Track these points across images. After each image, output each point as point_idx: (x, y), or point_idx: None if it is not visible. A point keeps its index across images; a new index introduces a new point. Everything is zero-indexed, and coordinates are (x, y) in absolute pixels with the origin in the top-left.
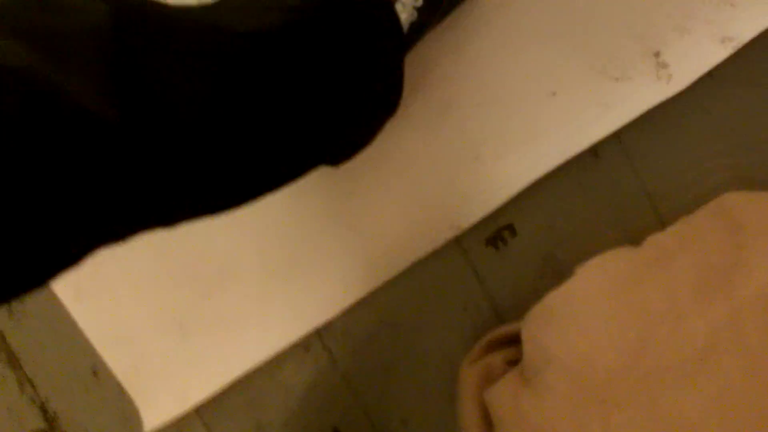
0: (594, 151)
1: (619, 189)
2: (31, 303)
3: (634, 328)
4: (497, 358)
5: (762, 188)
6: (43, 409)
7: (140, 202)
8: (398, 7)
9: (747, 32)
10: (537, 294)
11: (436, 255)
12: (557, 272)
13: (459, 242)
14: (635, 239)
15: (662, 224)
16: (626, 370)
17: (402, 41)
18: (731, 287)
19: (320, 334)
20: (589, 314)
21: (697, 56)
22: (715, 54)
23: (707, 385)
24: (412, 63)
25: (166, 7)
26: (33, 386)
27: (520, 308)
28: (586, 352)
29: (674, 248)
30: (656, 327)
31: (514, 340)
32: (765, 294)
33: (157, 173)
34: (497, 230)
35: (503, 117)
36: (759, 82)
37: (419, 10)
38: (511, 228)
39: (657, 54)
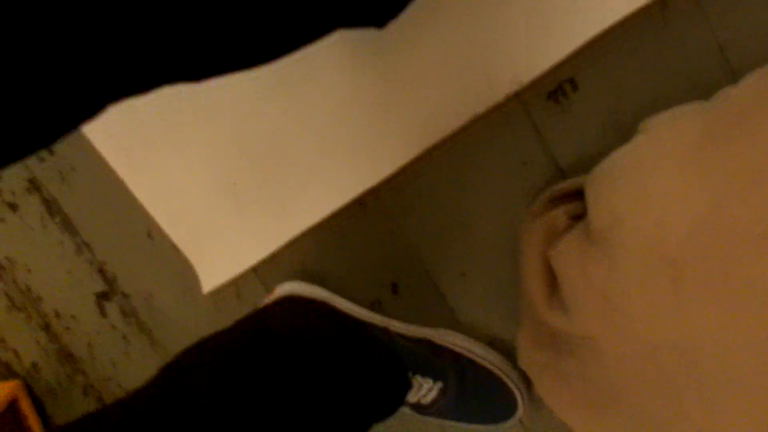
0: (663, 1)
1: (688, 40)
2: (82, 168)
3: (709, 190)
4: (561, 213)
5: None
6: (102, 272)
7: (157, 50)
8: None
9: None
10: (599, 149)
11: (496, 110)
12: (621, 127)
13: (519, 97)
14: (705, 94)
15: (734, 79)
16: (699, 233)
17: None
18: None
19: (377, 191)
20: (659, 176)
21: None
22: None
23: None
24: None
25: None
26: (90, 250)
27: (582, 164)
28: (657, 214)
29: (750, 105)
30: (732, 189)
31: (576, 195)
32: None
33: (170, 20)
34: (558, 84)
35: None
36: None
37: None
38: (572, 82)
39: None
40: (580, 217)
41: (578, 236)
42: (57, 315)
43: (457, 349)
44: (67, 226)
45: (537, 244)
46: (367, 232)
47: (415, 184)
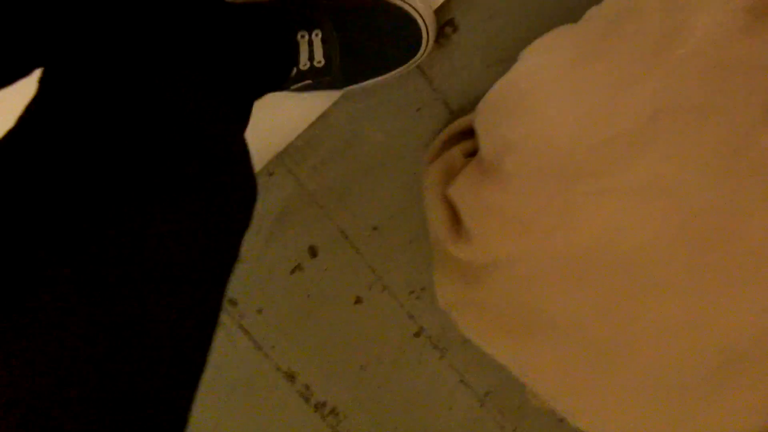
0: None
1: None
2: None
3: (584, 103)
4: (456, 152)
5: None
6: None
7: None
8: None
9: None
10: (486, 85)
11: None
12: (503, 60)
13: None
14: (578, 18)
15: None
16: (581, 144)
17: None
18: (672, 47)
19: (282, 157)
20: (538, 97)
21: None
22: None
23: (658, 147)
24: None
25: None
26: None
27: (472, 101)
28: (541, 133)
29: (614, 18)
30: (605, 98)
31: (470, 132)
32: (703, 50)
33: None
34: (439, 27)
35: None
36: None
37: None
38: (451, 23)
39: None
40: (475, 153)
41: (473, 169)
42: None
43: None
44: None
45: (437, 184)
46: (277, 199)
47: (315, 146)
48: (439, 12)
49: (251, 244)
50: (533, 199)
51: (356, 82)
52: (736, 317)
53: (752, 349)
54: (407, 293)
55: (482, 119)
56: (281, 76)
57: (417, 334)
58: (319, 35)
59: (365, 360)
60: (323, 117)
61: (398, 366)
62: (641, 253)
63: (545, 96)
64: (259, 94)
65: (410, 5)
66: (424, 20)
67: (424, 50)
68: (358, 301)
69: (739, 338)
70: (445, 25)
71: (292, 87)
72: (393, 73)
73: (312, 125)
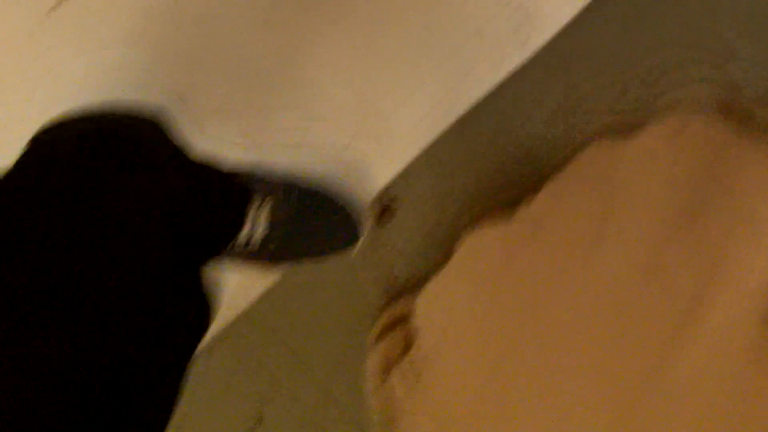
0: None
1: (497, 147)
2: None
3: (517, 296)
4: (397, 338)
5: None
6: None
7: None
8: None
9: None
10: (428, 259)
11: None
12: (442, 241)
13: None
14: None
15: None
16: (519, 335)
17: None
18: (602, 247)
19: (236, 324)
20: (471, 293)
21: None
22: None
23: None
24: None
25: None
26: None
27: (416, 273)
28: (477, 324)
29: (543, 216)
30: (535, 292)
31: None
32: (632, 255)
33: None
34: (383, 207)
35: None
36: None
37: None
38: (394, 200)
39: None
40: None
41: (411, 365)
42: None
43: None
44: None
45: (377, 373)
46: (227, 366)
47: (268, 317)
48: (384, 190)
49: (197, 407)
50: (465, 397)
51: (289, 260)
52: None
53: None
54: None
55: (421, 313)
56: (226, 240)
57: None
58: (269, 204)
59: None
60: (267, 293)
61: None
62: None
63: (481, 292)
64: (206, 256)
65: (353, 209)
66: (362, 225)
67: (358, 247)
68: None
69: None
70: (388, 201)
71: (228, 257)
72: (324, 259)
73: (256, 300)
